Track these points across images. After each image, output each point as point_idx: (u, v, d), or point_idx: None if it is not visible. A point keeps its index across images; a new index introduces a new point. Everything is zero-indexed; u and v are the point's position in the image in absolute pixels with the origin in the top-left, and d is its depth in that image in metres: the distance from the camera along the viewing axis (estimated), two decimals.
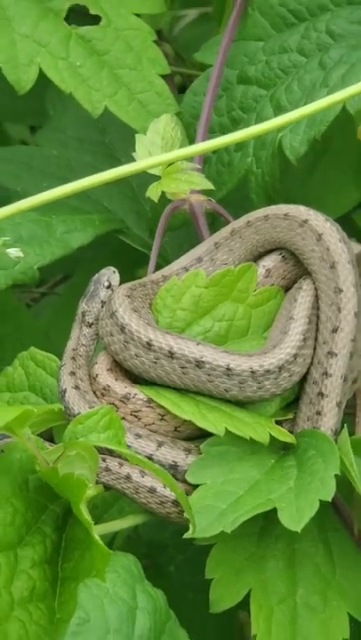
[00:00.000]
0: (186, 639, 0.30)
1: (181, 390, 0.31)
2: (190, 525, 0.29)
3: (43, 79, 0.32)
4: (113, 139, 0.36)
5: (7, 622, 0.26)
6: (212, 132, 0.34)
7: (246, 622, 0.35)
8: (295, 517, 0.29)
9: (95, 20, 0.35)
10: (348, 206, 0.38)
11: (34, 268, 0.30)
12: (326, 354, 0.30)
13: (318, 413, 0.31)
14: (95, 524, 0.27)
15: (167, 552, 0.36)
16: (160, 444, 0.30)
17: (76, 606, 0.26)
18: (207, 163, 0.35)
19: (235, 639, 0.38)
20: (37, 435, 0.31)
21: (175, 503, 0.29)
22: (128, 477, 0.30)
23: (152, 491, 0.30)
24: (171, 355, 0.30)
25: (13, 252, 0.32)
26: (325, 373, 0.30)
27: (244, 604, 0.31)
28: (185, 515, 0.28)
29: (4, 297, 0.34)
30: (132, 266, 0.38)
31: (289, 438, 0.31)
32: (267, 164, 0.33)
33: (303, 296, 0.30)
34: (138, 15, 0.35)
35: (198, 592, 0.32)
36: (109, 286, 0.32)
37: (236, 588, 0.32)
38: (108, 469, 0.30)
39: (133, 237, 0.37)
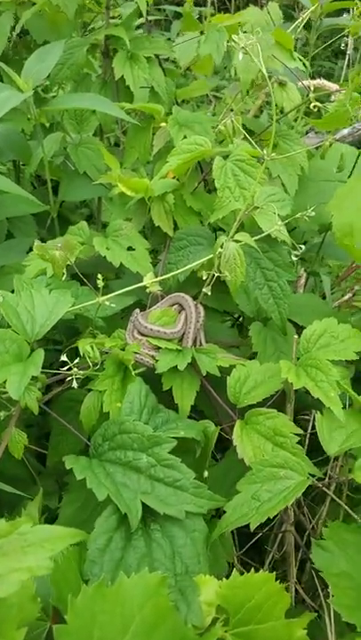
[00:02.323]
0: (154, 398, 1.17)
1: (154, 337, 1.31)
2: (157, 368, 1.20)
3: None
4: (139, 278, 1.45)
5: (112, 395, 1.26)
6: (162, 275, 1.41)
7: None
8: (181, 366, 1.28)
9: (133, 249, 1.45)
10: (194, 293, 1.46)
11: (119, 309, 1.36)
12: (188, 328, 1.33)
13: (187, 342, 1.31)
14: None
15: (152, 382, 1.37)
16: (149, 350, 1.28)
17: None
18: (162, 283, 1.40)
19: None
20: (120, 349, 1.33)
21: (153, 364, 1.27)
22: (142, 358, 1.27)
23: (147, 361, 1.28)
24: (151, 329, 1.31)
25: (112, 304, 1.34)
26: (188, 332, 1.33)
27: None
28: (155, 366, 1.26)
29: (116, 317, 1.42)
30: (143, 308, 1.42)
31: (180, 348, 1.28)
32: (175, 283, 1.42)
33: (182, 315, 1.35)
34: (145, 248, 1.44)
35: (161, 389, 1.32)
36: (137, 313, 1.35)
37: (168, 384, 1.19)
38: (137, 356, 1.26)
39: (145, 301, 1.45)
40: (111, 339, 1.28)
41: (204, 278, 1.21)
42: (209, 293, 1.22)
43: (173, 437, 0.95)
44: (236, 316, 1.82)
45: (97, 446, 0.97)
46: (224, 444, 1.38)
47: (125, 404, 1.03)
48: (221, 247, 1.18)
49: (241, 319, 1.80)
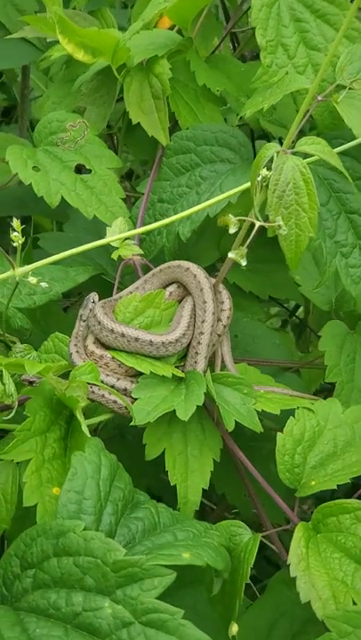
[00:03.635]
0: (128, 478, 1.15)
1: (128, 352, 1.26)
2: (133, 418, 1.19)
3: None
4: (99, 227, 1.33)
5: (41, 470, 1.17)
6: (144, 226, 1.32)
7: None
8: (184, 413, 1.19)
9: (89, 171, 1.37)
10: (213, 260, 1.47)
11: (58, 292, 1.27)
12: (199, 333, 1.29)
13: (195, 362, 1.29)
14: (86, 418, 1.20)
15: (126, 429, 1.28)
16: (118, 379, 1.23)
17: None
18: (143, 241, 1.39)
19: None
20: (60, 375, 1.23)
21: (125, 407, 1.20)
22: (103, 395, 1.21)
23: (114, 402, 1.21)
24: (123, 335, 1.24)
25: (43, 284, 1.25)
26: (199, 343, 1.28)
27: None
28: (130, 413, 1.18)
29: (53, 305, 1.39)
30: (107, 291, 1.33)
31: (181, 374, 1.24)
32: (172, 242, 1.36)
33: (187, 305, 1.31)
34: (109, 168, 1.37)
35: (142, 449, 1.23)
36: (93, 301, 1.31)
37: (158, 447, 1.19)
38: (92, 392, 1.21)
39: (109, 276, 1.43)
40: (40, 355, 1.26)
41: (232, 232, 1.13)
42: (243, 264, 1.14)
43: (167, 566, 0.90)
44: (291, 307, 1.82)
45: (10, 579, 0.94)
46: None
47: (68, 493, 0.99)
48: (269, 168, 1.11)
49: (304, 315, 1.80)
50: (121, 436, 1.49)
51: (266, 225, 1.10)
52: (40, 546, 0.92)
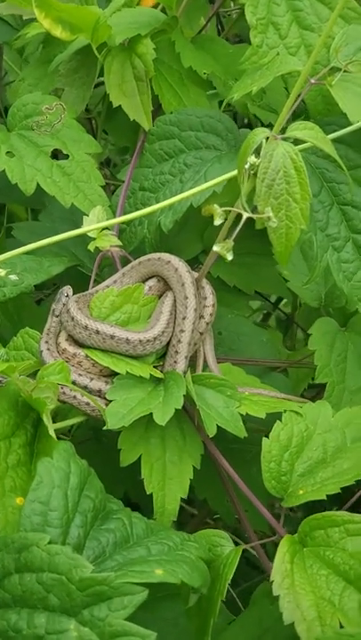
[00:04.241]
0: (99, 486, 1.03)
1: (103, 350, 1.21)
2: (106, 421, 1.13)
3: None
4: (76, 216, 1.29)
5: (4, 478, 1.09)
6: (124, 215, 1.28)
7: None
8: (162, 417, 1.12)
9: (66, 156, 1.32)
10: (195, 252, 1.41)
11: (30, 284, 1.22)
12: (179, 331, 1.24)
13: (175, 362, 1.23)
14: (59, 420, 1.14)
15: (101, 431, 1.18)
16: (91, 379, 1.18)
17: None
18: (123, 231, 1.34)
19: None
20: (30, 374, 1.17)
21: (98, 410, 1.14)
22: (74, 397, 1.15)
23: (87, 404, 1.15)
24: (97, 332, 1.19)
25: (13, 277, 1.18)
26: (179, 341, 1.23)
27: None
28: (103, 415, 1.13)
29: (25, 298, 1.34)
30: (83, 284, 1.28)
31: (160, 375, 1.19)
32: (153, 232, 1.31)
33: (167, 301, 1.26)
34: (88, 153, 1.32)
35: (117, 452, 1.18)
36: (67, 295, 1.25)
37: (134, 453, 1.14)
38: (63, 393, 1.15)
39: (86, 268, 1.38)
40: (9, 352, 1.21)
41: (217, 223, 1.07)
42: (229, 258, 1.08)
43: (139, 584, 0.86)
44: (273, 300, 1.79)
45: None
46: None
47: (33, 503, 0.95)
48: (257, 155, 1.07)
49: (291, 311, 1.76)
50: (96, 438, 1.45)
51: (254, 216, 1.06)
52: (0, 561, 0.89)
